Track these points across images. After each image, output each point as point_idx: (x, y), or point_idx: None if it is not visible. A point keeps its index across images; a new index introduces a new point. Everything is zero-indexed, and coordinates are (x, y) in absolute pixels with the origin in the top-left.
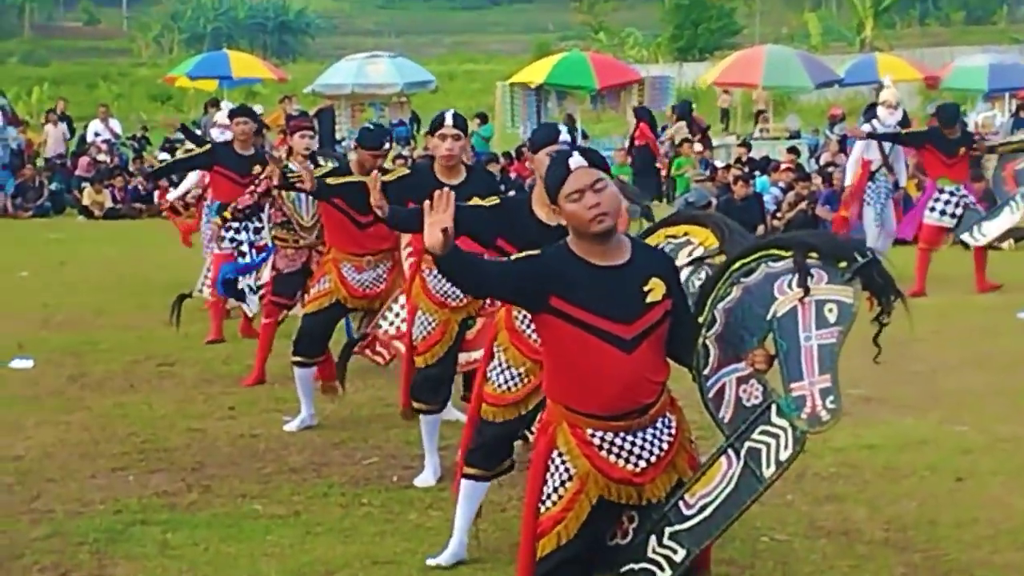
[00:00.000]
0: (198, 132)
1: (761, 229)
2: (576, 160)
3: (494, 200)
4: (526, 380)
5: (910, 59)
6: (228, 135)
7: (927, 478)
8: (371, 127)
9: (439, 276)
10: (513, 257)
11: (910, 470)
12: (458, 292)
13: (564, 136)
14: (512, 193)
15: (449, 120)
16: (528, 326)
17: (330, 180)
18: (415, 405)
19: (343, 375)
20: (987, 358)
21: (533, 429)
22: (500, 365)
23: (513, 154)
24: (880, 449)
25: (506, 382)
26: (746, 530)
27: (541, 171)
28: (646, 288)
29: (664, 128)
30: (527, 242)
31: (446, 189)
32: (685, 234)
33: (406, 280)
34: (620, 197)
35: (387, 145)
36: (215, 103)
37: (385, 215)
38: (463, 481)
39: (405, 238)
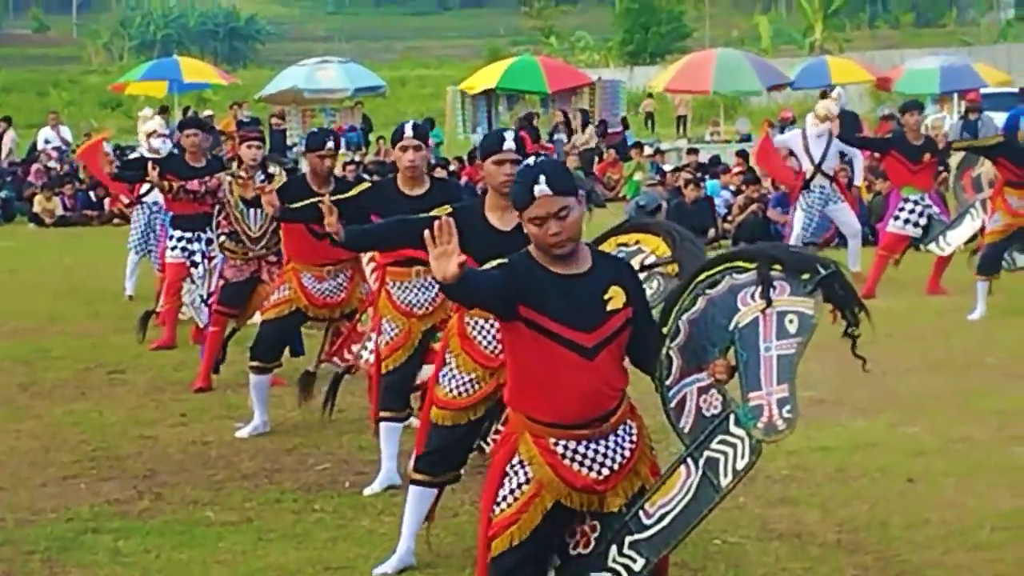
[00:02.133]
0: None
1: (712, 232)
2: (541, 188)
3: (447, 209)
4: (476, 386)
5: (860, 61)
6: (167, 143)
7: (879, 480)
8: (315, 131)
9: (404, 288)
10: (488, 265)
11: (862, 472)
12: (424, 302)
13: (509, 144)
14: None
15: (409, 131)
16: (480, 333)
17: (294, 205)
18: (380, 413)
19: (333, 403)
20: (939, 361)
21: (489, 440)
22: (451, 371)
23: (465, 158)
24: (833, 451)
25: (456, 387)
26: (698, 532)
27: (490, 179)
28: (606, 296)
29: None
30: (481, 248)
31: (445, 218)
32: (636, 242)
33: (372, 293)
34: (582, 218)
35: (330, 144)
36: (164, 111)
37: (341, 239)
38: (410, 487)
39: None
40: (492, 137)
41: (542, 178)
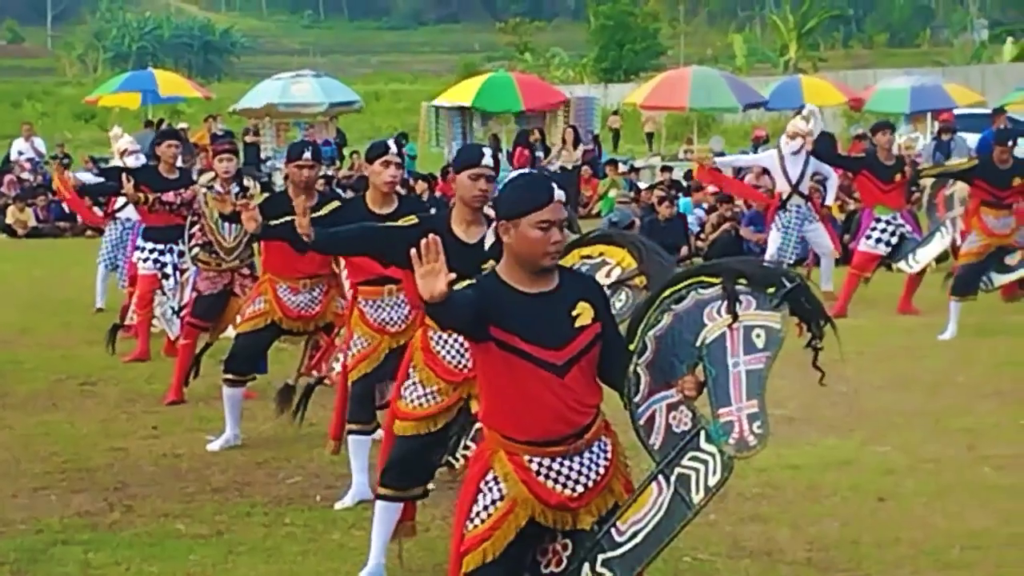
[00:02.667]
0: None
1: (685, 250)
2: (560, 193)
3: (412, 220)
4: (438, 398)
5: (834, 81)
6: (140, 159)
7: (849, 498)
8: (295, 142)
9: (377, 306)
10: (459, 287)
11: (833, 490)
12: (396, 320)
13: (487, 160)
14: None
15: (393, 148)
16: (443, 348)
17: (273, 222)
18: (348, 426)
19: (303, 413)
20: (910, 379)
21: (458, 456)
22: (413, 384)
23: (439, 174)
24: (803, 469)
25: (418, 399)
26: (669, 550)
27: (462, 192)
28: (575, 313)
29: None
30: (447, 260)
31: (432, 236)
32: (601, 254)
33: (345, 307)
34: None
35: (307, 154)
36: (149, 124)
37: (311, 240)
38: (377, 502)
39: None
40: (470, 151)
41: (555, 185)
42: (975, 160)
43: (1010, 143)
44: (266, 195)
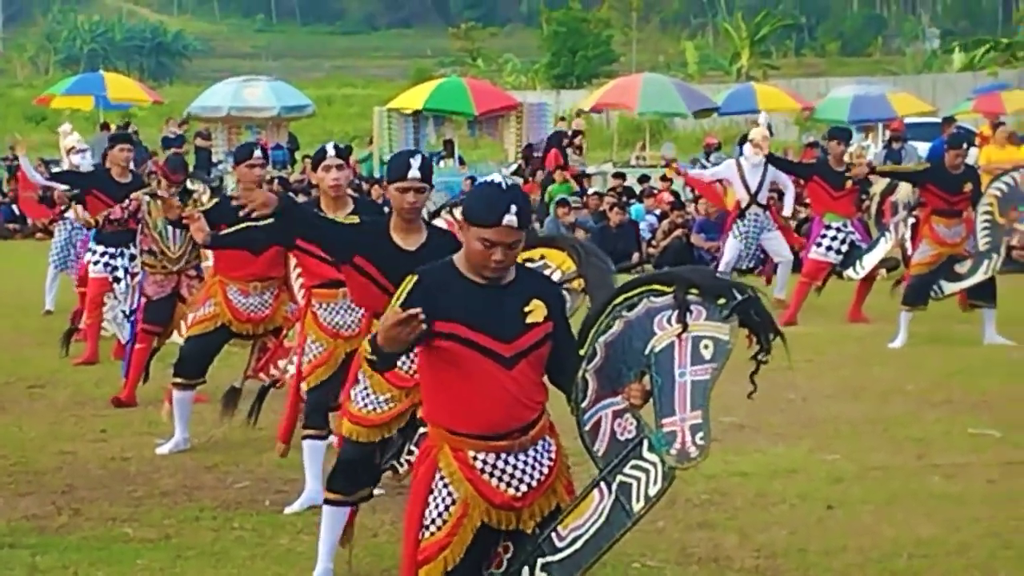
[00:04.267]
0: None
1: (636, 257)
2: (510, 219)
3: (353, 219)
4: (390, 405)
5: (786, 89)
6: (86, 158)
7: (798, 506)
8: (243, 143)
9: (331, 309)
10: (403, 295)
11: (781, 498)
12: (350, 323)
13: (414, 172)
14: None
15: (331, 151)
16: None
17: (222, 233)
18: (304, 432)
19: (257, 416)
20: (859, 388)
21: (403, 460)
22: (365, 390)
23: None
24: (752, 477)
25: (369, 404)
26: (617, 556)
27: (394, 203)
28: (527, 309)
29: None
30: (386, 265)
31: (419, 314)
32: (542, 257)
33: (298, 310)
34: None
35: (258, 153)
36: (104, 127)
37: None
38: (324, 507)
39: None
40: (398, 162)
41: (513, 208)
42: (927, 164)
43: (964, 146)
44: (215, 200)
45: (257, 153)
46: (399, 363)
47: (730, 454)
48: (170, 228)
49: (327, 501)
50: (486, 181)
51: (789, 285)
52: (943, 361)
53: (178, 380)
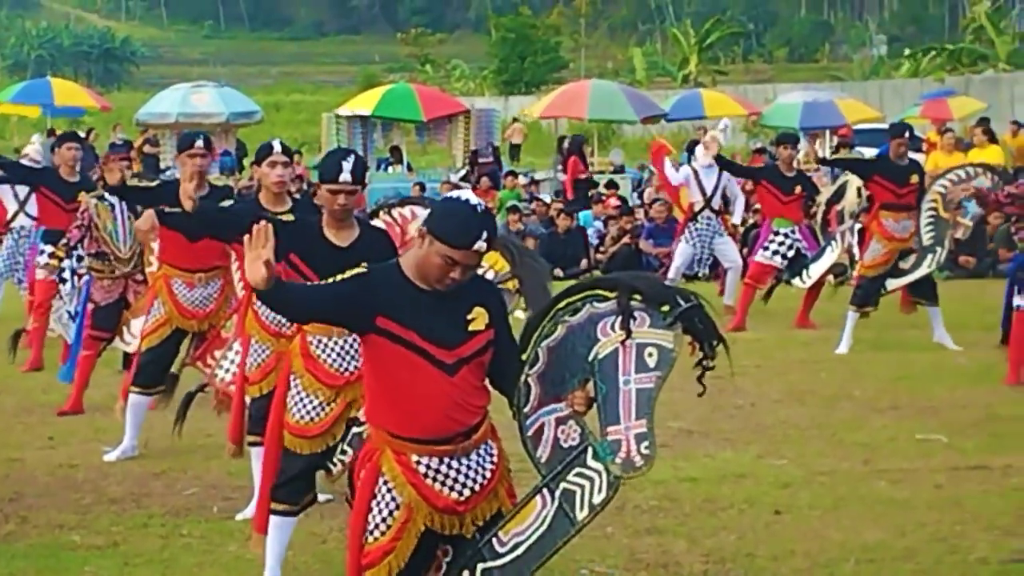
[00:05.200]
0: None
1: (584, 263)
2: (480, 244)
3: (289, 217)
4: (326, 409)
5: (734, 95)
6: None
7: (746, 511)
8: (185, 133)
9: None
10: (339, 277)
11: (729, 503)
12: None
13: (345, 176)
14: None
15: (278, 147)
16: (323, 352)
17: (167, 211)
18: (250, 439)
19: (182, 423)
20: (806, 393)
21: (335, 460)
22: (298, 394)
23: None
24: (700, 482)
25: (307, 413)
26: (565, 562)
27: (325, 204)
28: (470, 316)
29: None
30: (321, 264)
31: (263, 223)
32: None
33: (238, 301)
34: None
35: (199, 143)
36: (52, 133)
37: (194, 208)
38: (272, 517)
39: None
40: (330, 164)
41: (484, 234)
42: (875, 157)
43: (905, 135)
44: (157, 182)
45: (199, 143)
46: (329, 360)
47: (679, 459)
48: (120, 229)
49: (273, 512)
50: (459, 200)
51: (737, 291)
52: (890, 367)
53: (137, 389)
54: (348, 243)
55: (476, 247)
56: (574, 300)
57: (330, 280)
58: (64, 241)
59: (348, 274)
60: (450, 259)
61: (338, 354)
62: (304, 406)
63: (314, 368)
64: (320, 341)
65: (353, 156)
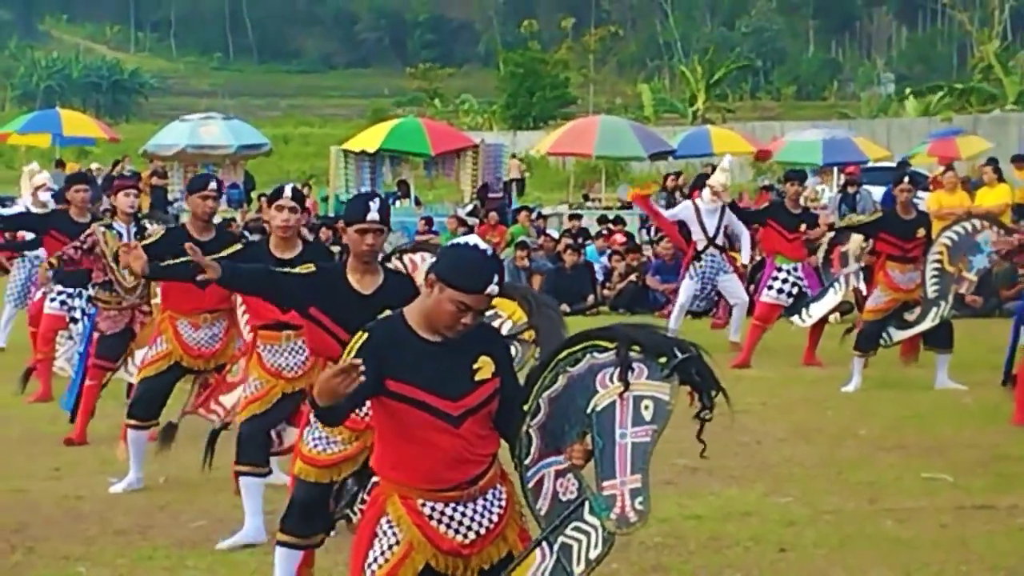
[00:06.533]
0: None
1: (591, 299)
2: (493, 288)
3: (309, 268)
4: (341, 446)
5: (742, 132)
6: (48, 197)
7: (751, 549)
8: (198, 175)
9: (274, 351)
10: (351, 348)
11: (734, 541)
12: (293, 365)
13: (373, 214)
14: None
15: (288, 192)
16: None
17: (163, 263)
18: (237, 468)
19: (211, 458)
20: (812, 431)
21: (356, 509)
22: (317, 431)
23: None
24: (705, 519)
25: (320, 444)
26: None
27: (352, 247)
28: (475, 366)
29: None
30: (343, 311)
31: (353, 360)
32: (493, 306)
33: (245, 344)
34: None
35: (212, 185)
36: (61, 164)
37: (219, 275)
38: (277, 548)
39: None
40: (357, 204)
41: (496, 278)
42: (880, 212)
43: (906, 180)
44: (161, 231)
45: (212, 185)
46: None
47: (684, 497)
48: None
49: (280, 543)
50: (467, 245)
51: (743, 328)
52: (896, 406)
53: (132, 422)
54: (372, 290)
55: (489, 291)
56: (575, 350)
57: (348, 354)
58: (59, 253)
59: (357, 344)
60: (463, 304)
61: None
62: (320, 441)
63: None
64: None
65: (378, 197)
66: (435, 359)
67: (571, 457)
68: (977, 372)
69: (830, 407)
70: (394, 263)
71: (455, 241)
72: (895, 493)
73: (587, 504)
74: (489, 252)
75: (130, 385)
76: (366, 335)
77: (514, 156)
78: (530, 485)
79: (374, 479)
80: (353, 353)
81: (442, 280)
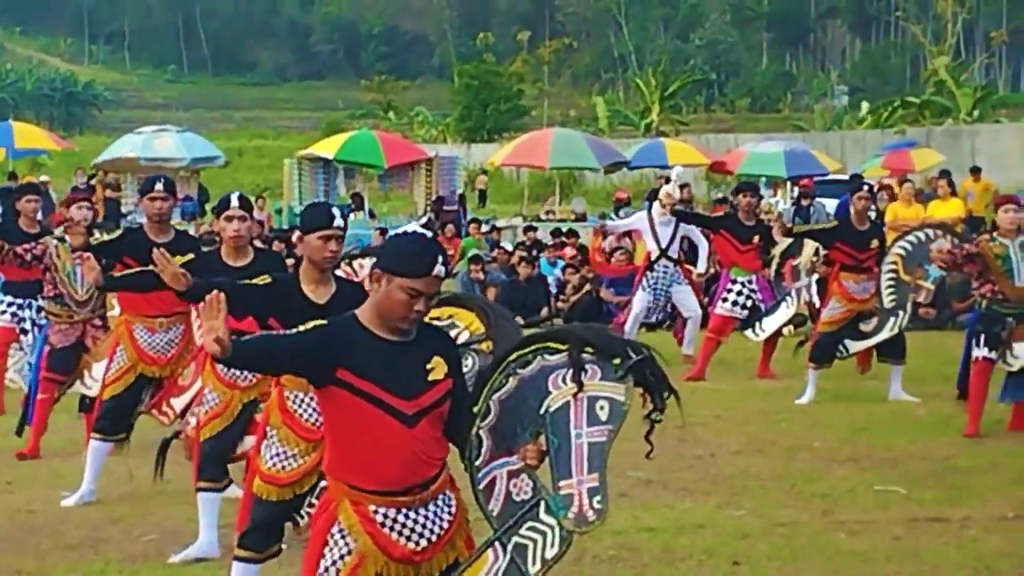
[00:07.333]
0: None
1: (545, 311)
2: (439, 268)
3: (265, 279)
4: (300, 460)
5: (696, 144)
6: None
7: (704, 562)
8: (147, 176)
9: None
10: (300, 328)
11: (688, 553)
12: (247, 374)
13: (338, 221)
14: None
15: (235, 202)
16: (300, 407)
17: (118, 274)
18: (199, 483)
19: (162, 468)
20: (766, 443)
21: (304, 512)
22: (273, 444)
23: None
24: (659, 532)
25: (280, 462)
26: None
27: (312, 254)
28: (429, 366)
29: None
30: (299, 321)
31: (215, 292)
32: (450, 317)
33: (197, 349)
34: None
35: (159, 186)
36: (13, 176)
37: (188, 286)
38: (234, 563)
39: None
40: (318, 212)
41: (440, 258)
42: (836, 222)
43: (865, 188)
44: (119, 232)
45: (158, 186)
46: (305, 415)
47: (638, 509)
48: (78, 271)
49: (237, 558)
50: (407, 233)
51: (697, 340)
52: (850, 418)
53: (98, 436)
54: (327, 299)
55: (436, 272)
56: (525, 352)
57: (291, 331)
58: (7, 247)
59: (309, 325)
60: (413, 290)
61: (315, 409)
62: (277, 454)
63: (291, 422)
64: (297, 396)
65: (336, 206)
66: (389, 357)
67: (525, 457)
68: (930, 384)
69: (784, 419)
70: (343, 269)
71: (393, 233)
72: (848, 505)
73: (543, 504)
74: (429, 235)
75: (83, 397)
76: (323, 323)
77: (484, 172)
78: (482, 486)
79: (322, 484)
80: (304, 332)
81: (388, 271)
